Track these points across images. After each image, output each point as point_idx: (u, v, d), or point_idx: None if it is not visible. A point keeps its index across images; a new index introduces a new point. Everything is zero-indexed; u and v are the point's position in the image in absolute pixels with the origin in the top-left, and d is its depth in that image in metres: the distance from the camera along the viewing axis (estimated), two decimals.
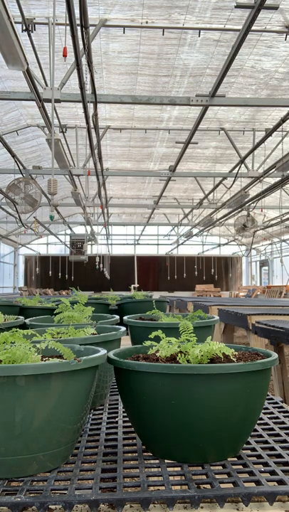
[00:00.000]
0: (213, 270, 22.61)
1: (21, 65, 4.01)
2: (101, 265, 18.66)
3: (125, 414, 1.48)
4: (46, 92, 5.67)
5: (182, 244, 22.60)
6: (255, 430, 1.34)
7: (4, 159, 11.50)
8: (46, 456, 1.03)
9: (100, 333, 1.66)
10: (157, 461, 1.12)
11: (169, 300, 5.43)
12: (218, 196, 14.28)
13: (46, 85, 6.10)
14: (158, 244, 25.93)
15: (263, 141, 8.88)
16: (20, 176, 9.07)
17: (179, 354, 1.20)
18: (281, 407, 1.60)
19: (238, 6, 4.38)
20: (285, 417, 1.49)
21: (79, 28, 4.52)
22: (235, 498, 0.95)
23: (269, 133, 8.33)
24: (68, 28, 4.45)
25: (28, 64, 4.22)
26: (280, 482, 1.00)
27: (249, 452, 1.18)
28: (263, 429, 1.36)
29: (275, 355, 1.19)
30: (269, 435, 1.31)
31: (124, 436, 1.30)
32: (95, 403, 1.57)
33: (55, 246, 24.93)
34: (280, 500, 0.95)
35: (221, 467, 1.08)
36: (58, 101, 5.77)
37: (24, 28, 5.22)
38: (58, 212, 14.91)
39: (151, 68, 7.95)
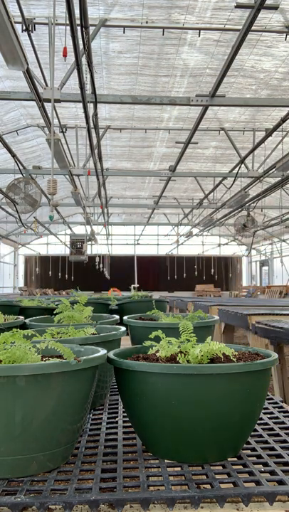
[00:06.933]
0: (213, 270, 22.60)
1: (21, 65, 4.00)
2: (101, 265, 18.65)
3: (125, 414, 1.48)
4: (46, 92, 5.67)
5: (182, 244, 22.58)
6: (255, 430, 1.34)
7: (4, 159, 11.50)
8: (46, 456, 1.03)
9: (99, 333, 1.66)
10: (157, 461, 1.12)
11: (169, 300, 5.42)
12: (218, 196, 14.26)
13: (46, 85, 6.09)
14: (158, 244, 25.91)
15: (263, 141, 8.87)
16: (20, 176, 9.05)
17: (179, 354, 1.20)
18: (281, 407, 1.60)
19: (238, 6, 4.37)
20: (285, 417, 1.48)
21: (79, 28, 4.52)
22: (235, 498, 0.95)
23: (269, 133, 8.32)
24: (68, 28, 4.45)
25: (28, 64, 4.22)
26: (280, 482, 1.00)
27: (249, 452, 1.18)
28: (263, 429, 1.36)
29: (275, 355, 1.19)
30: (269, 435, 1.31)
31: (124, 436, 1.30)
32: (95, 403, 1.57)
33: (55, 246, 24.89)
34: (280, 500, 0.95)
35: (221, 467, 1.08)
36: (58, 101, 5.76)
37: (24, 28, 5.21)
38: (58, 212, 14.90)
39: (151, 68, 7.95)
